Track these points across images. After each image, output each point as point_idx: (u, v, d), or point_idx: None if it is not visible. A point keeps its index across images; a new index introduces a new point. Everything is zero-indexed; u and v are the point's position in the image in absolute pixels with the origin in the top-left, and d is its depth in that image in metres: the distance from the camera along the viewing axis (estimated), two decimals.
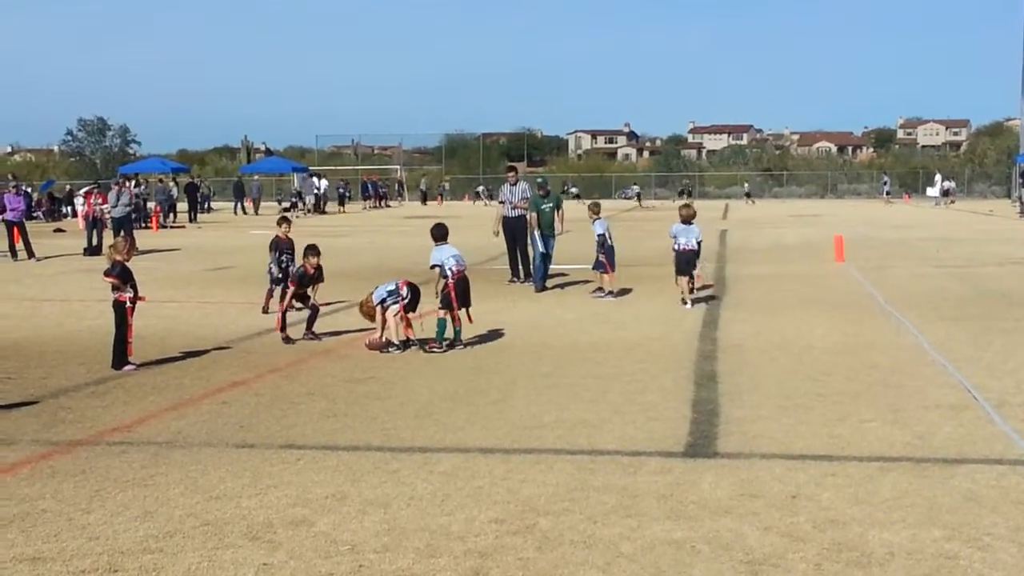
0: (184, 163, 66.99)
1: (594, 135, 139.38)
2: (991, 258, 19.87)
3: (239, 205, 46.94)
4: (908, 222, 34.69)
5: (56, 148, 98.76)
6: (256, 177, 51.89)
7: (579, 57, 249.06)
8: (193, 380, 8.83)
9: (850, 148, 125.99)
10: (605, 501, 5.44)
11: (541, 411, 7.52)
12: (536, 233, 15.30)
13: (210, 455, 6.43)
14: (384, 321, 10.18)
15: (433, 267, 10.45)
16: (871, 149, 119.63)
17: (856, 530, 4.98)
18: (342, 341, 10.84)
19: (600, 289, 14.41)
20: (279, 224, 12.56)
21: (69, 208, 43.12)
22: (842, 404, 7.64)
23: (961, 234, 27.68)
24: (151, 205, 36.50)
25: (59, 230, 33.45)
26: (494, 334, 11.08)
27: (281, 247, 12.35)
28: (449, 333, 10.24)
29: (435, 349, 10.02)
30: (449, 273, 10.23)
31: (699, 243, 13.54)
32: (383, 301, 10.20)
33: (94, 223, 24.10)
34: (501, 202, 16.91)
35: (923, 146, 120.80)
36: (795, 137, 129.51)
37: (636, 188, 63.82)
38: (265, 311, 12.71)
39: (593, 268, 14.63)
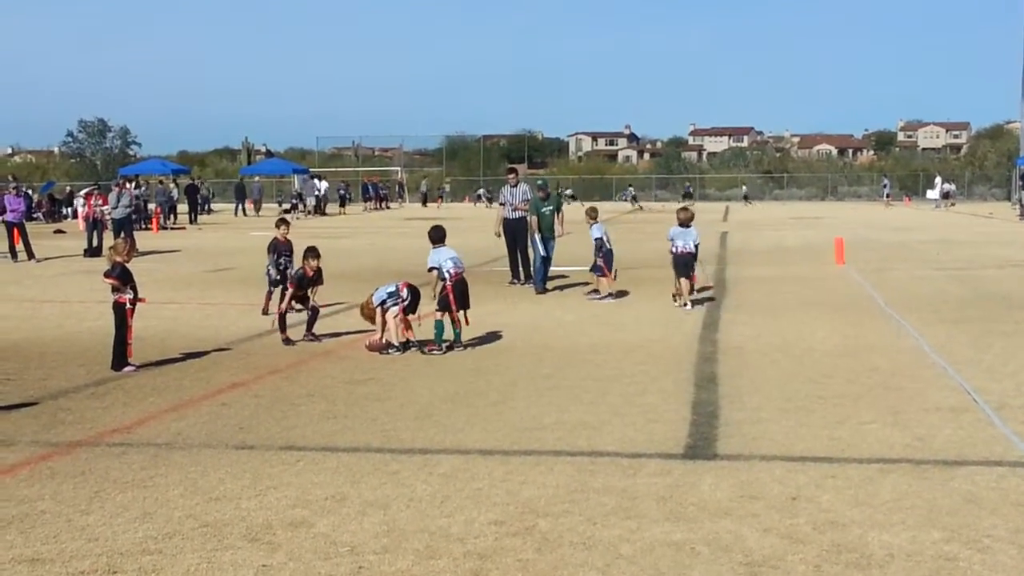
0: (184, 164, 67.04)
1: (595, 137, 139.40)
2: (991, 261, 19.87)
3: (240, 207, 46.94)
4: (908, 225, 34.69)
5: (56, 149, 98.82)
6: (257, 179, 51.93)
7: (580, 59, 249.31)
8: (193, 381, 8.83)
9: (850, 151, 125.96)
10: (605, 503, 5.44)
11: (541, 413, 7.52)
12: (536, 236, 15.31)
13: (210, 456, 6.43)
14: (384, 323, 10.18)
15: (431, 269, 10.45)
16: (871, 152, 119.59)
17: (856, 532, 4.98)
18: (342, 343, 10.83)
19: (595, 291, 14.45)
20: (277, 226, 12.54)
21: (69, 209, 43.14)
22: (842, 406, 7.63)
23: (961, 237, 27.69)
24: (151, 207, 36.49)
25: (59, 231, 33.46)
26: (494, 336, 11.08)
27: (279, 249, 12.34)
28: (449, 335, 10.24)
29: (434, 351, 10.02)
30: (447, 275, 10.23)
31: (696, 246, 13.55)
32: (383, 303, 10.20)
33: (94, 224, 24.11)
34: (501, 204, 16.92)
35: (923, 149, 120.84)
36: (795, 139, 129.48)
37: (631, 190, 63.24)
38: (265, 313, 12.70)
39: (591, 271, 14.68)
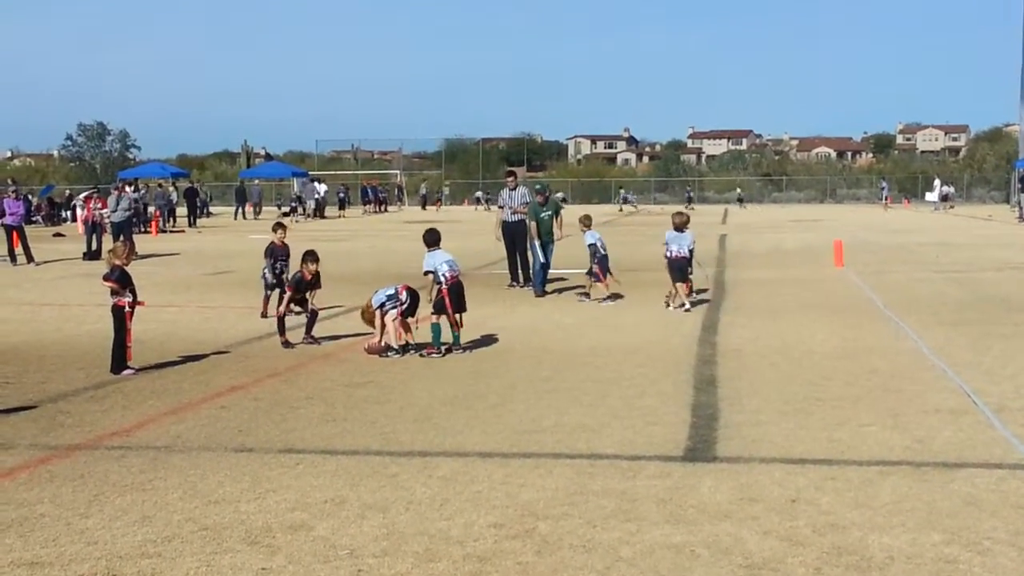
0: (184, 168, 67.06)
1: (594, 140, 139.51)
2: (990, 263, 19.88)
3: (240, 210, 46.92)
4: (907, 227, 34.71)
5: (56, 153, 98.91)
6: (256, 182, 51.95)
7: (579, 62, 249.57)
8: (192, 384, 8.82)
9: (849, 153, 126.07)
10: (604, 505, 5.44)
11: (540, 415, 7.52)
12: (536, 243, 15.33)
13: (209, 459, 6.42)
14: (383, 325, 10.18)
15: (427, 273, 10.44)
16: (870, 154, 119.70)
17: (856, 534, 4.98)
18: (341, 345, 10.83)
19: (586, 294, 14.51)
20: (274, 230, 12.54)
21: (68, 213, 43.13)
22: (842, 408, 7.63)
23: (960, 239, 27.70)
24: (151, 210, 36.48)
25: (58, 235, 33.45)
26: (493, 338, 11.07)
27: (276, 253, 12.34)
28: (447, 338, 10.24)
29: (433, 354, 10.01)
30: (443, 279, 10.23)
31: (691, 250, 13.56)
32: (382, 305, 10.20)
33: (93, 228, 24.11)
34: (500, 207, 16.92)
35: (922, 151, 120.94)
36: (794, 142, 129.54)
37: (623, 192, 62.81)
38: (264, 316, 12.70)
39: (586, 274, 14.78)
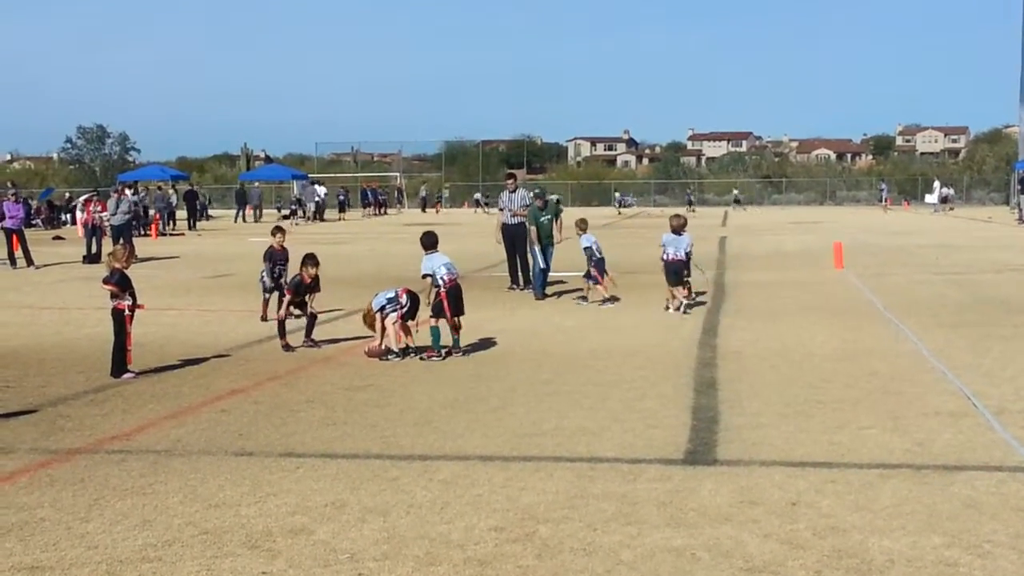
0: (183, 170, 67.10)
1: (593, 142, 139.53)
2: (990, 265, 19.89)
3: (240, 213, 46.91)
4: (907, 229, 34.72)
5: (55, 156, 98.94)
6: (257, 184, 51.95)
7: (579, 64, 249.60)
8: (192, 388, 8.82)
9: (849, 155, 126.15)
10: (605, 508, 5.44)
11: (541, 418, 7.52)
12: (536, 248, 15.34)
13: (209, 463, 6.42)
14: (383, 328, 10.18)
15: (425, 276, 10.44)
16: (870, 156, 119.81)
17: (856, 537, 4.98)
18: (341, 349, 10.83)
19: (583, 297, 14.52)
20: (273, 234, 12.54)
21: (68, 216, 43.13)
22: (842, 411, 7.63)
23: (960, 241, 27.70)
24: (151, 212, 36.49)
25: (58, 238, 33.46)
26: (493, 341, 11.07)
27: (275, 257, 12.34)
28: (447, 340, 10.24)
29: (433, 357, 10.01)
30: (441, 282, 10.23)
31: (688, 253, 13.56)
32: (382, 308, 10.21)
33: (93, 231, 24.11)
34: (500, 209, 16.93)
35: (922, 153, 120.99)
36: (794, 144, 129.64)
37: (618, 195, 62.33)
38: (264, 319, 12.70)
39: (584, 277, 14.82)
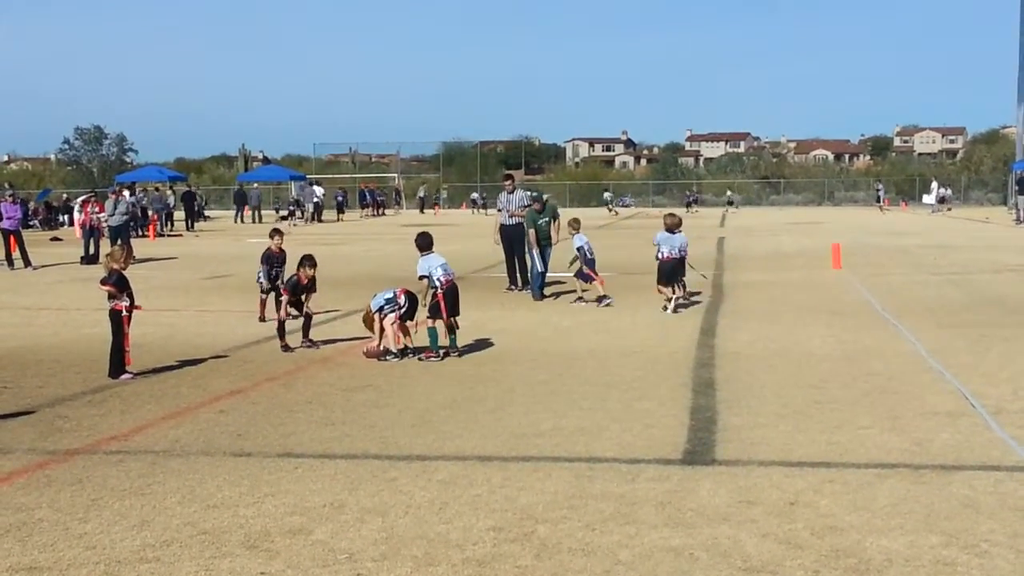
0: (181, 171, 67.04)
1: (592, 143, 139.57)
2: (987, 265, 19.90)
3: (239, 214, 46.87)
4: (905, 229, 34.74)
5: (53, 157, 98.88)
6: (255, 185, 51.93)
7: (577, 65, 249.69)
8: (190, 389, 8.82)
9: (847, 156, 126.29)
10: (603, 508, 5.44)
11: (539, 419, 7.52)
12: (535, 251, 15.35)
13: (207, 464, 6.42)
14: (382, 329, 10.18)
15: (422, 278, 10.44)
16: (868, 157, 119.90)
17: (854, 537, 4.98)
18: (339, 349, 10.83)
19: (581, 298, 14.53)
20: (271, 236, 12.54)
21: (66, 217, 43.08)
22: (840, 411, 7.64)
23: (958, 241, 27.73)
24: (149, 213, 36.45)
25: (56, 239, 33.44)
26: (492, 342, 11.07)
27: (273, 260, 12.33)
28: (444, 341, 10.24)
29: (432, 358, 10.01)
30: (438, 283, 10.23)
31: (683, 252, 13.56)
32: (380, 309, 10.21)
33: (91, 232, 24.09)
34: (499, 210, 16.94)
35: (920, 154, 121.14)
36: (792, 145, 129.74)
37: (607, 195, 61.46)
38: (262, 320, 12.70)
39: (575, 276, 14.87)
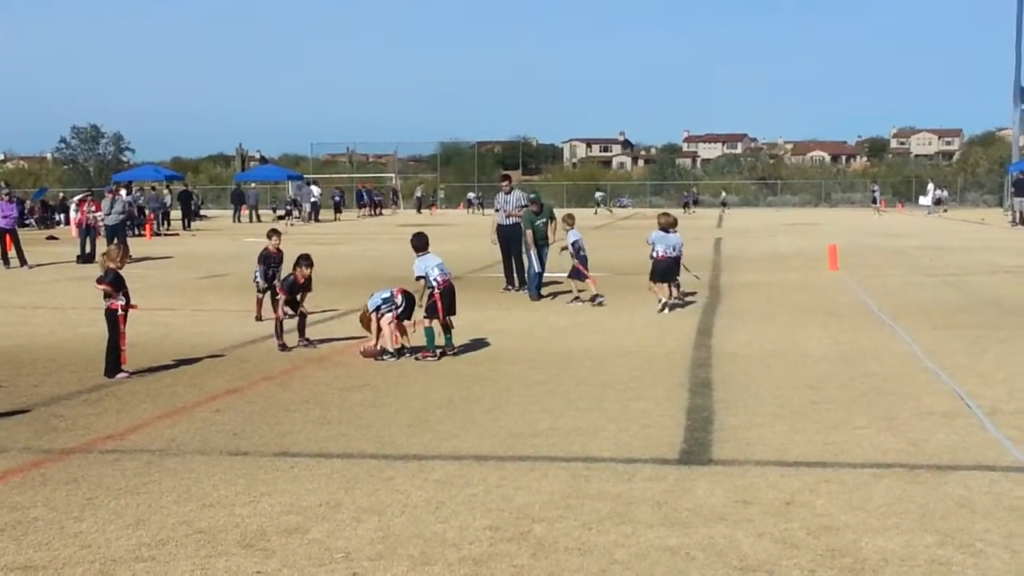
0: (178, 171, 67.00)
1: (589, 143, 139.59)
2: (984, 266, 19.94)
3: (237, 213, 46.82)
4: (901, 231, 34.79)
5: (49, 156, 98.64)
6: (253, 185, 51.89)
7: (574, 65, 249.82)
8: (186, 388, 8.81)
9: (844, 157, 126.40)
10: (599, 508, 5.44)
11: (535, 419, 7.52)
12: (532, 252, 15.35)
13: (203, 463, 6.42)
14: (379, 329, 10.18)
15: (419, 278, 10.44)
16: (864, 158, 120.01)
17: (850, 536, 4.99)
18: (336, 349, 10.82)
19: (577, 299, 14.54)
20: (269, 236, 12.53)
21: (62, 216, 43.03)
22: (836, 411, 7.65)
23: (954, 243, 27.77)
24: (146, 212, 36.41)
25: (52, 237, 33.39)
26: (489, 342, 11.08)
27: (270, 260, 12.33)
28: (442, 340, 10.24)
29: (428, 358, 10.01)
30: (435, 283, 10.23)
31: (678, 252, 13.56)
32: (377, 309, 10.21)
33: (87, 231, 24.08)
34: (496, 210, 16.95)
35: (916, 155, 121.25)
36: (789, 146, 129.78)
37: (599, 195, 60.92)
38: (258, 319, 12.70)
39: (568, 277, 14.84)
